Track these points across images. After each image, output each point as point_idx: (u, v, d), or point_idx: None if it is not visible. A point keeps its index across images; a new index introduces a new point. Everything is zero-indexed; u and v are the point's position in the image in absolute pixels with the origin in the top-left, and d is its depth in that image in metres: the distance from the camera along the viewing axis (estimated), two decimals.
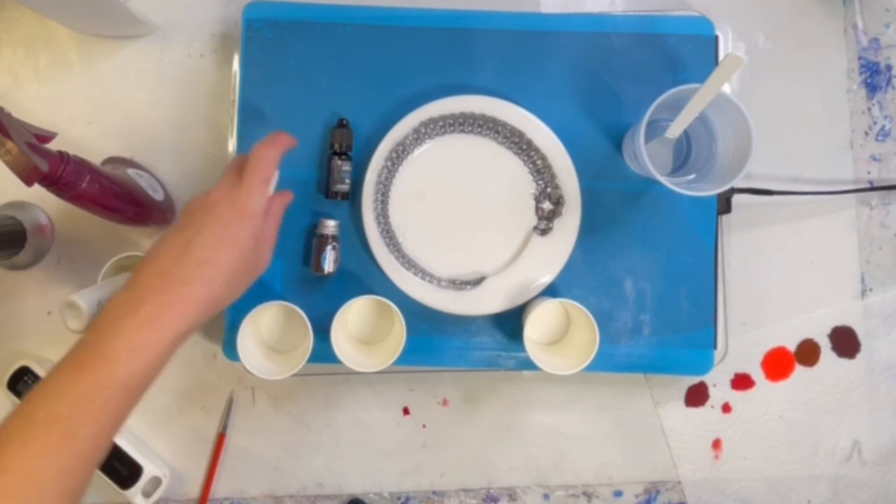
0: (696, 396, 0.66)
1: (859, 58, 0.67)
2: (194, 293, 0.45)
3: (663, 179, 0.53)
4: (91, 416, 0.41)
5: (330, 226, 0.60)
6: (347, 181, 0.61)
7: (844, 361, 0.66)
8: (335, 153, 0.61)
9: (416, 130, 0.61)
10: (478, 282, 0.62)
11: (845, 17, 0.67)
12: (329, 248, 0.60)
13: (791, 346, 0.66)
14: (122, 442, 0.62)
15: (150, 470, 0.62)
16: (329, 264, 0.60)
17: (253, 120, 0.62)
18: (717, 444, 0.66)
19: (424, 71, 0.62)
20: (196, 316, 0.45)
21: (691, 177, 0.60)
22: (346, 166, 0.61)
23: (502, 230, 0.62)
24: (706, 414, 0.66)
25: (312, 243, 0.61)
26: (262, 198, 0.49)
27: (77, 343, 0.44)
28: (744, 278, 0.65)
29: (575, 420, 0.66)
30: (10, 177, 0.46)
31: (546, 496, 0.66)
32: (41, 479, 0.40)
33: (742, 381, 0.66)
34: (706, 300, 0.62)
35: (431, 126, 0.61)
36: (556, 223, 0.62)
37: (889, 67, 0.67)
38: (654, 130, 0.58)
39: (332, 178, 0.61)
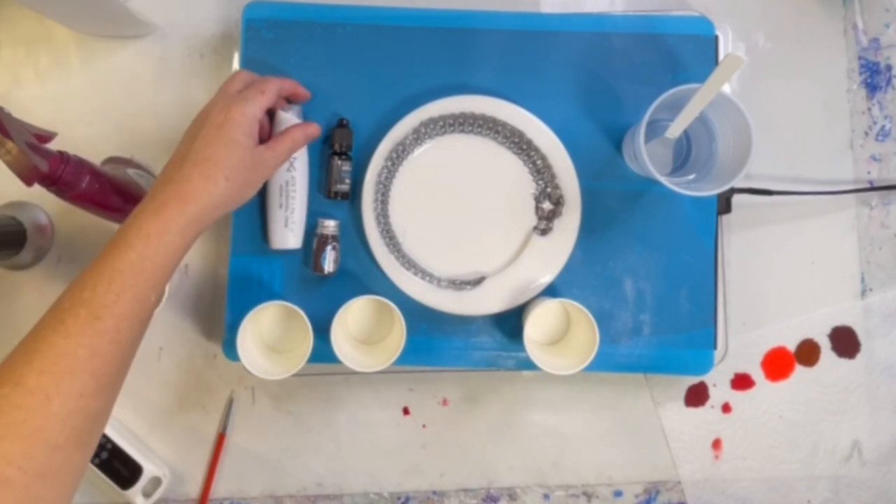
0: (696, 396, 0.66)
1: (859, 58, 0.67)
2: (196, 187, 0.49)
3: (663, 179, 0.53)
4: (113, 297, 0.44)
5: (330, 226, 0.60)
6: (347, 181, 0.61)
7: (844, 361, 0.66)
8: (335, 153, 0.61)
9: (416, 130, 0.61)
10: (478, 282, 0.62)
11: (845, 17, 0.67)
12: (329, 248, 0.60)
13: (791, 346, 0.66)
14: (122, 442, 0.62)
15: (150, 470, 0.62)
16: (329, 264, 0.60)
17: None
18: (717, 444, 0.66)
19: (424, 71, 0.62)
20: (201, 207, 0.48)
21: (691, 177, 0.60)
22: (346, 166, 0.61)
23: (502, 230, 0.62)
24: (706, 414, 0.66)
25: (312, 243, 0.61)
26: (256, 106, 0.52)
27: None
28: (744, 278, 0.66)
29: (575, 420, 0.66)
30: (10, 177, 0.46)
31: (546, 496, 0.66)
32: (71, 359, 0.42)
33: (742, 381, 0.66)
34: (706, 300, 0.62)
35: (431, 126, 0.61)
36: (556, 223, 0.62)
37: (889, 67, 0.67)
38: (654, 130, 0.58)
39: (331, 178, 0.61)
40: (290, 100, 0.60)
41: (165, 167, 0.51)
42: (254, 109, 0.52)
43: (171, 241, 0.47)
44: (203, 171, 0.49)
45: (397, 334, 0.59)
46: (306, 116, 0.61)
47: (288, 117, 0.60)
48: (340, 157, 0.61)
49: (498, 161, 0.62)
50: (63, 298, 0.45)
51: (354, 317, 0.63)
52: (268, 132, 0.58)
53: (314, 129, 0.58)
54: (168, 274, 0.48)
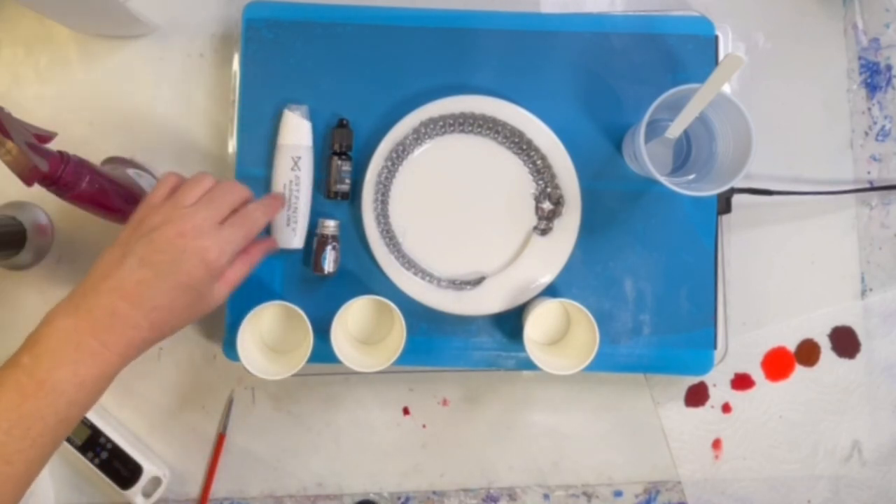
0: (696, 396, 0.66)
1: (859, 58, 0.67)
2: (142, 336, 0.46)
3: (663, 179, 0.53)
4: (28, 443, 0.42)
5: (330, 226, 0.60)
6: (347, 181, 0.61)
7: (844, 361, 0.66)
8: (335, 153, 0.61)
9: (416, 130, 0.61)
10: (478, 282, 0.62)
11: (845, 17, 0.67)
12: (329, 248, 0.60)
13: (791, 346, 0.66)
14: (122, 442, 0.62)
15: (150, 470, 0.62)
16: (329, 264, 0.60)
17: (253, 120, 0.62)
18: (717, 444, 0.66)
19: (424, 71, 0.62)
20: (139, 352, 0.47)
21: (691, 177, 0.60)
22: (346, 166, 0.61)
23: (502, 230, 0.62)
24: (706, 414, 0.66)
25: (312, 243, 0.61)
26: (235, 252, 0.49)
27: (12, 361, 0.43)
28: (744, 278, 0.65)
29: (575, 420, 0.66)
30: (10, 177, 0.46)
31: (546, 496, 0.66)
32: None
33: (742, 381, 0.66)
34: (706, 300, 0.62)
35: (431, 126, 0.61)
36: (556, 223, 0.62)
37: (889, 67, 0.67)
38: (654, 130, 0.58)
39: (331, 178, 0.61)
40: (297, 100, 0.60)
41: (113, 277, 0.45)
42: (231, 257, 0.49)
43: (102, 388, 0.45)
44: (155, 321, 0.46)
45: (397, 334, 0.59)
46: (312, 116, 0.61)
47: (294, 117, 0.60)
48: (340, 157, 0.61)
49: (498, 161, 0.62)
50: None
51: (354, 317, 0.63)
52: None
53: (273, 245, 0.57)
54: (88, 409, 0.45)
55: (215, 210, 0.49)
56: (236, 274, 0.51)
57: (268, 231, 0.60)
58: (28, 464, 0.42)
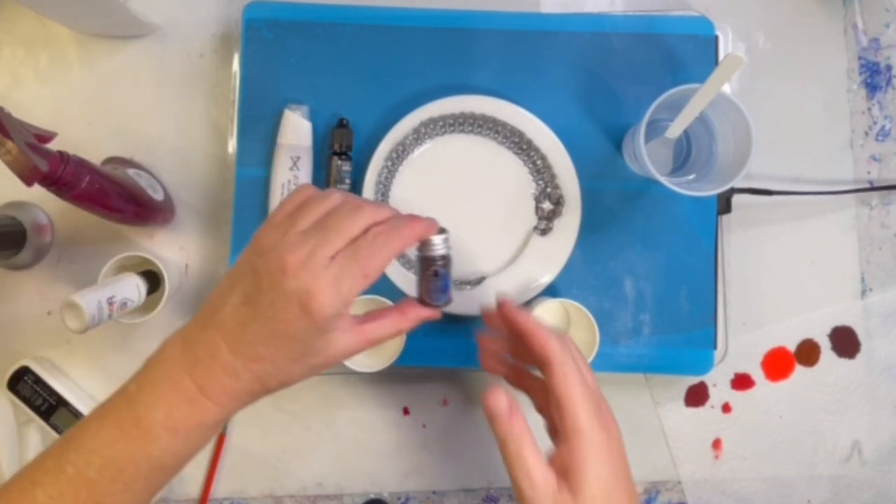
0: (696, 396, 0.66)
1: (859, 58, 0.67)
2: (242, 387, 0.40)
3: (663, 179, 0.53)
4: (120, 487, 0.39)
5: (439, 244, 0.46)
6: (347, 181, 0.61)
7: (844, 361, 0.66)
8: (335, 153, 0.61)
9: (416, 130, 0.61)
10: (478, 282, 0.62)
11: (845, 17, 0.67)
12: (439, 271, 0.46)
13: (791, 346, 0.66)
14: None
15: None
16: (444, 295, 0.47)
17: (253, 120, 0.62)
18: (717, 444, 0.66)
19: (424, 71, 0.62)
20: (244, 404, 0.41)
21: (691, 177, 0.60)
22: (346, 166, 0.61)
23: (502, 230, 0.62)
24: (706, 414, 0.66)
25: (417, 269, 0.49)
26: (351, 296, 0.39)
27: (125, 385, 0.41)
28: (744, 278, 0.65)
29: None
30: (10, 177, 0.46)
31: None
32: None
33: (742, 381, 0.66)
34: (706, 300, 0.62)
35: (431, 126, 0.61)
36: (556, 223, 0.62)
37: (889, 67, 0.67)
38: (654, 130, 0.58)
39: (331, 179, 0.61)
40: (299, 102, 0.60)
41: (221, 311, 0.40)
42: (346, 300, 0.39)
43: (199, 437, 0.40)
44: (256, 373, 0.40)
45: None
46: (312, 116, 0.61)
47: (294, 117, 0.60)
48: (340, 157, 0.61)
49: (498, 161, 0.62)
50: (69, 460, 0.39)
51: None
52: None
53: (433, 315, 0.45)
54: (184, 465, 0.41)
55: (326, 240, 0.39)
56: (375, 331, 0.42)
57: None
58: None
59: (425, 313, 0.46)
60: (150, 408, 0.39)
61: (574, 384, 0.43)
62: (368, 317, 0.43)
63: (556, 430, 0.44)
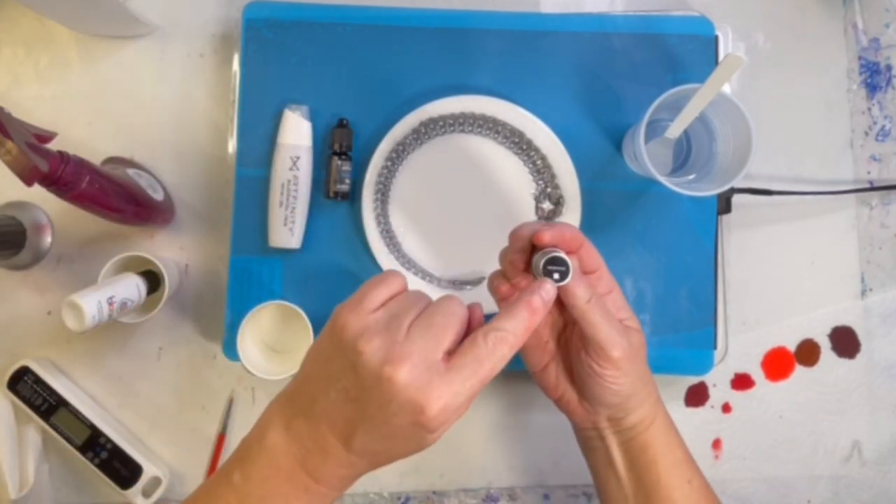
0: (696, 396, 0.66)
1: (859, 58, 0.67)
2: (358, 472, 0.40)
3: (663, 179, 0.53)
4: None
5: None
6: (347, 181, 0.61)
7: (844, 361, 0.66)
8: (335, 153, 0.61)
9: (415, 130, 0.61)
10: (478, 282, 0.61)
11: (845, 16, 0.67)
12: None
13: (791, 346, 0.66)
14: (122, 442, 0.62)
15: (150, 470, 0.62)
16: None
17: (253, 120, 0.62)
18: (717, 444, 0.66)
19: (424, 71, 0.62)
20: (353, 482, 0.41)
21: (691, 177, 0.60)
22: (346, 166, 0.61)
23: (502, 230, 0.62)
24: (706, 414, 0.66)
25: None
26: (468, 392, 0.37)
27: (224, 471, 0.41)
28: (744, 278, 0.65)
29: None
30: (10, 177, 0.46)
31: (546, 496, 0.66)
32: None
33: (742, 381, 0.66)
34: (706, 300, 0.62)
35: (431, 126, 0.61)
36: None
37: (889, 67, 0.67)
38: (654, 130, 0.58)
39: (331, 178, 0.61)
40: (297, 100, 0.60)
41: (308, 417, 0.39)
42: (459, 408, 0.38)
43: None
44: (373, 463, 0.40)
45: None
46: (312, 116, 0.61)
47: (294, 117, 0.60)
48: (340, 157, 0.61)
49: (498, 161, 0.62)
50: None
51: None
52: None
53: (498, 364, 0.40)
54: None
55: (435, 341, 0.37)
56: (480, 375, 0.38)
57: (265, 231, 0.60)
58: None
59: (544, 296, 0.41)
60: (265, 499, 0.39)
61: (601, 259, 0.48)
62: (461, 358, 0.38)
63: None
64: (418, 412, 0.36)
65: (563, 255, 0.42)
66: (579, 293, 0.44)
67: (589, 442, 0.51)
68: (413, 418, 0.36)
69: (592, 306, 0.44)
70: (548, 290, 0.42)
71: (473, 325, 0.41)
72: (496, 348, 0.38)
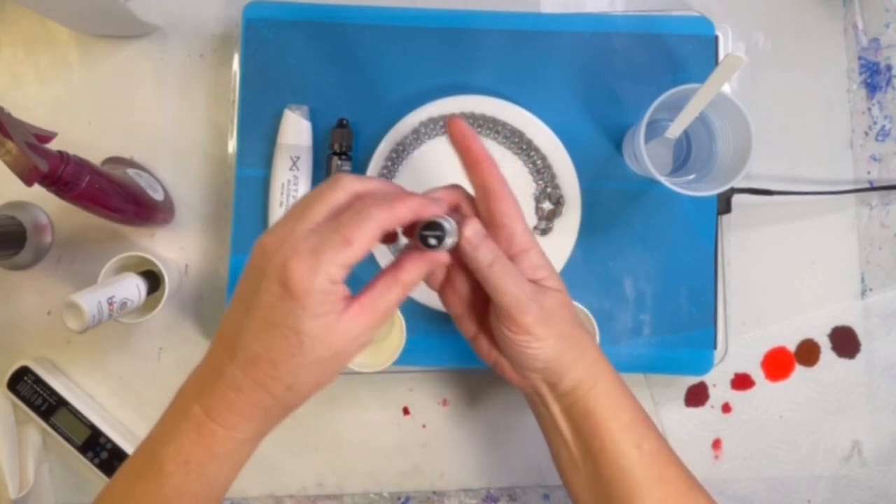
0: (696, 396, 0.66)
1: (859, 58, 0.67)
2: (247, 399, 0.36)
3: (663, 179, 0.53)
4: None
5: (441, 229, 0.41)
6: None
7: (844, 361, 0.66)
8: (335, 153, 0.61)
9: (415, 130, 0.61)
10: None
11: (845, 17, 0.67)
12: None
13: (791, 346, 0.66)
14: (122, 442, 0.62)
15: None
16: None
17: (253, 120, 0.62)
18: (717, 444, 0.66)
19: (424, 71, 0.62)
20: (256, 423, 0.38)
21: (691, 177, 0.60)
22: (346, 166, 0.61)
23: None
24: (706, 414, 0.66)
25: None
26: (333, 268, 0.35)
27: (156, 424, 0.40)
28: (744, 278, 0.65)
29: None
30: (10, 177, 0.46)
31: (546, 496, 0.66)
32: None
33: (742, 381, 0.66)
34: (706, 300, 0.62)
35: (431, 126, 0.61)
36: (556, 223, 0.62)
37: (889, 67, 0.67)
38: (654, 130, 0.58)
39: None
40: (299, 103, 0.60)
41: (222, 324, 0.38)
42: (329, 273, 0.35)
43: (218, 470, 0.38)
44: (256, 377, 0.36)
45: (397, 334, 0.59)
46: (312, 116, 0.61)
47: (294, 117, 0.60)
48: (340, 157, 0.61)
49: (498, 161, 0.62)
50: None
51: None
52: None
53: (440, 257, 0.40)
54: (217, 498, 0.39)
55: (303, 215, 0.36)
56: (375, 300, 0.38)
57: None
58: None
59: (426, 259, 0.39)
60: (163, 443, 0.37)
61: (518, 214, 0.43)
62: (363, 290, 0.38)
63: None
64: (284, 275, 0.34)
65: (440, 219, 0.39)
66: (480, 256, 0.41)
67: (535, 408, 0.49)
68: (281, 287, 0.34)
69: (495, 270, 0.41)
70: (407, 269, 0.39)
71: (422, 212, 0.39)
72: (360, 210, 0.36)
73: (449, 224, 0.39)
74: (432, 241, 0.38)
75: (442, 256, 0.40)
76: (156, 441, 0.38)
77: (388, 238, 0.41)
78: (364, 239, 0.35)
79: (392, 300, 0.38)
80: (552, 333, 0.43)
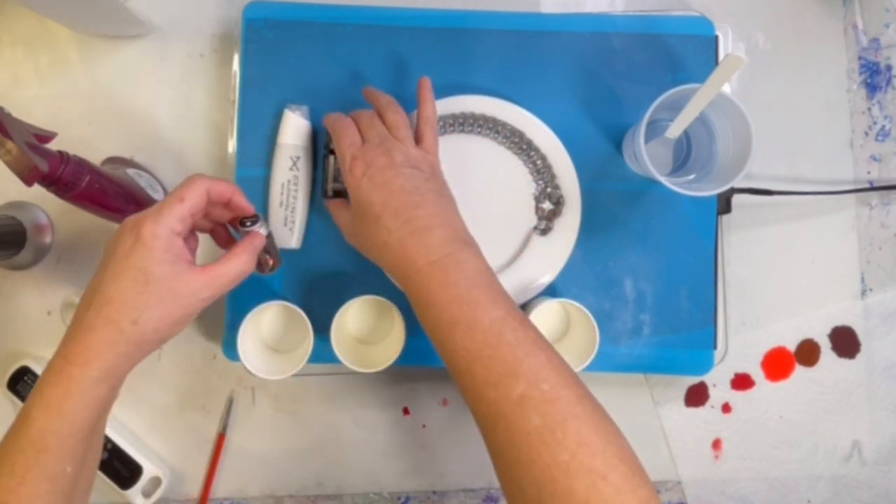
0: (696, 396, 0.66)
1: (859, 58, 0.67)
2: (98, 338, 0.42)
3: (663, 179, 0.53)
4: (17, 480, 0.40)
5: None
6: (341, 179, 0.60)
7: (844, 361, 0.66)
8: (331, 151, 0.60)
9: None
10: None
11: (845, 17, 0.67)
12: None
13: (791, 346, 0.66)
14: (122, 442, 0.62)
15: (150, 470, 0.62)
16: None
17: (253, 120, 0.62)
18: (717, 444, 0.66)
19: (424, 71, 0.62)
20: (107, 361, 0.42)
21: (691, 177, 0.60)
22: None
23: (502, 230, 0.62)
24: (706, 414, 0.66)
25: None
26: (172, 218, 0.44)
27: None
28: (744, 278, 0.65)
29: None
30: (10, 177, 0.46)
31: None
32: None
33: (742, 381, 0.66)
34: (706, 300, 0.62)
35: None
36: (556, 223, 0.62)
37: (889, 67, 0.67)
38: (654, 130, 0.58)
39: (327, 177, 0.60)
40: (298, 102, 0.60)
41: (79, 302, 0.44)
42: (169, 223, 0.44)
43: (74, 408, 0.41)
44: (107, 315, 0.42)
45: (397, 334, 0.59)
46: (312, 116, 0.61)
47: (294, 117, 0.59)
48: (332, 154, 0.60)
49: (498, 161, 0.62)
50: None
51: (354, 317, 0.63)
52: (228, 239, 0.53)
53: (259, 241, 0.50)
54: (84, 442, 0.42)
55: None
56: (221, 268, 0.46)
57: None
58: (23, 501, 0.40)
59: (249, 240, 0.50)
60: (31, 397, 0.42)
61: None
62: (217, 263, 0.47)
63: None
64: (136, 225, 0.43)
65: (256, 213, 0.52)
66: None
67: None
68: (133, 234, 0.43)
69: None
70: (237, 248, 0.49)
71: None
72: (186, 186, 0.46)
73: (261, 215, 0.52)
74: (248, 224, 0.51)
75: (259, 237, 0.50)
76: (27, 398, 0.42)
77: (231, 223, 0.52)
78: (193, 195, 0.45)
79: (229, 270, 0.46)
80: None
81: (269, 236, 0.53)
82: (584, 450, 0.40)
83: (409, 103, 0.61)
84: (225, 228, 0.53)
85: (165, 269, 0.43)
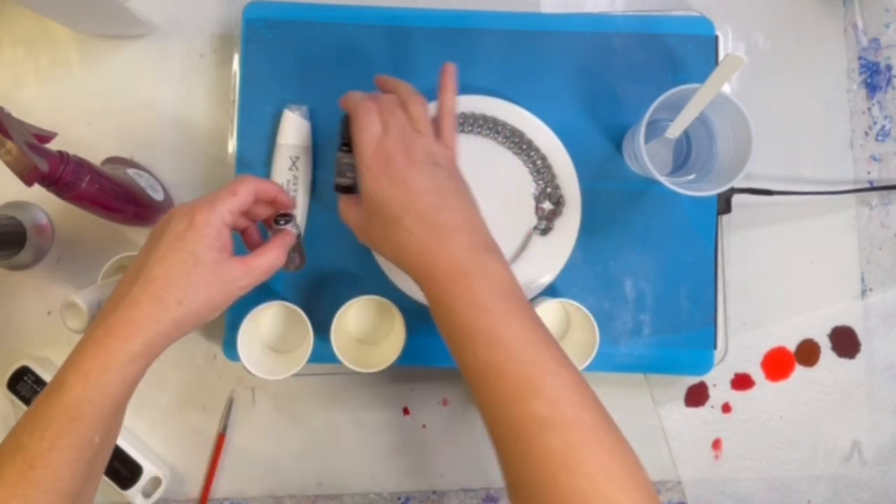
0: (696, 396, 0.66)
1: (859, 58, 0.67)
2: (143, 313, 0.43)
3: (663, 179, 0.53)
4: (47, 445, 0.41)
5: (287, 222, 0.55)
6: (349, 175, 0.59)
7: (844, 361, 0.66)
8: (345, 144, 0.58)
9: None
10: None
11: (845, 17, 0.67)
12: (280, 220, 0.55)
13: (791, 346, 0.66)
14: (122, 442, 0.62)
15: (150, 470, 0.62)
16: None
17: (253, 120, 0.62)
18: (717, 444, 0.66)
19: (424, 71, 0.62)
20: (147, 338, 0.43)
21: (691, 177, 0.60)
22: (347, 159, 0.59)
23: (502, 230, 0.62)
24: (706, 414, 0.66)
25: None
26: (224, 209, 0.46)
27: None
28: (744, 278, 0.65)
29: None
30: (10, 177, 0.46)
31: None
32: None
33: (742, 381, 0.66)
34: (706, 300, 0.62)
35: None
36: (556, 223, 0.62)
37: (889, 67, 0.67)
38: (654, 130, 0.58)
39: (335, 171, 0.59)
40: (297, 105, 0.60)
41: (125, 274, 0.46)
42: (221, 214, 0.46)
43: (111, 380, 0.42)
44: (153, 292, 0.43)
45: (397, 334, 0.59)
46: (312, 116, 0.61)
47: (294, 117, 0.59)
48: (342, 148, 0.59)
49: (498, 161, 0.62)
50: (5, 441, 0.42)
51: (354, 317, 0.63)
52: (257, 240, 0.54)
53: (290, 238, 0.52)
54: (113, 414, 0.43)
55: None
56: (259, 259, 0.48)
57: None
58: (51, 469, 0.40)
59: (282, 236, 0.52)
60: (68, 364, 0.43)
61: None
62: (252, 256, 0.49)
63: None
64: (189, 213, 0.45)
65: (290, 210, 0.54)
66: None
67: None
68: (187, 221, 0.45)
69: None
70: (270, 244, 0.51)
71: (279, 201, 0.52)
72: (239, 182, 0.48)
73: (293, 213, 0.54)
74: (282, 222, 0.53)
75: (291, 235, 0.52)
76: (63, 366, 0.43)
77: (266, 222, 0.54)
78: (245, 192, 0.48)
79: (264, 262, 0.49)
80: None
81: (299, 236, 0.55)
82: (603, 478, 0.39)
83: None
84: (257, 229, 0.55)
85: (212, 256, 0.45)
